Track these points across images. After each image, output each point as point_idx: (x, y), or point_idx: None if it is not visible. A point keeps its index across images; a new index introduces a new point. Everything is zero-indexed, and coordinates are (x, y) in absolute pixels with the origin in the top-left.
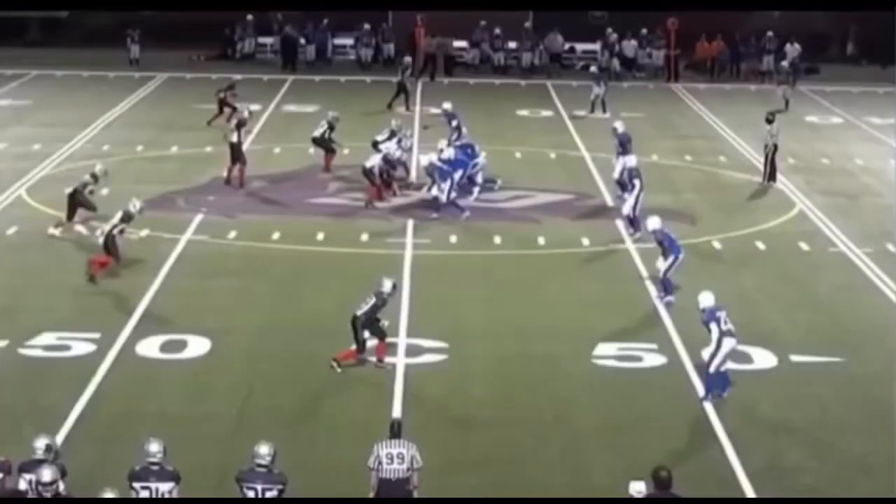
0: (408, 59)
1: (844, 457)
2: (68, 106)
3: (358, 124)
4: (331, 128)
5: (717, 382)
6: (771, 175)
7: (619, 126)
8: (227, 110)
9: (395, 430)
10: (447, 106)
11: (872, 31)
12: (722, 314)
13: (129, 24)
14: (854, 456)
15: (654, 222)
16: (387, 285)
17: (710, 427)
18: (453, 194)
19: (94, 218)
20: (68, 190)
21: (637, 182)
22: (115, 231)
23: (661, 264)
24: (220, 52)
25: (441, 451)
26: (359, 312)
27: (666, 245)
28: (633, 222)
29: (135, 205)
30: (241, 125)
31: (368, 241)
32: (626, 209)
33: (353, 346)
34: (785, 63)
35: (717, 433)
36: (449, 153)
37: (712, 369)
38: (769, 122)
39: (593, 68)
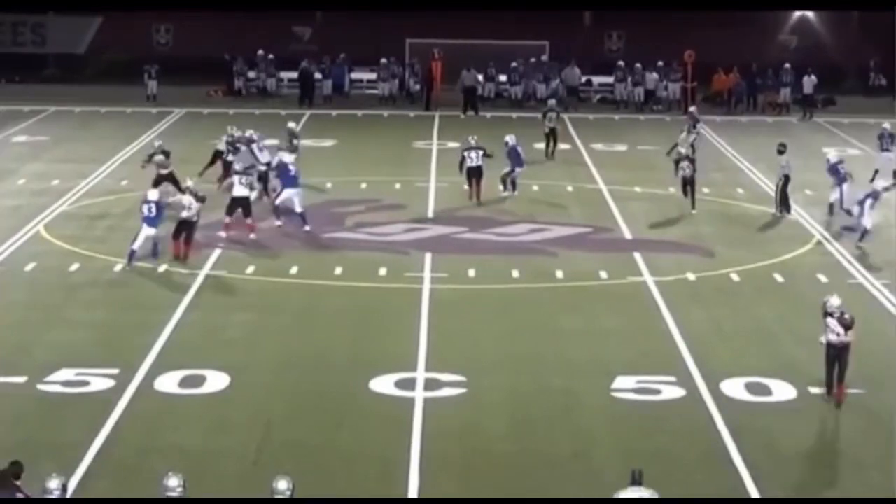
0: (552, 102)
1: (864, 489)
2: (86, 141)
3: (376, 157)
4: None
5: None
6: (785, 206)
7: (832, 157)
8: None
9: (636, 479)
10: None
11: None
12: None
13: (146, 59)
14: (873, 488)
15: None
16: None
17: (730, 459)
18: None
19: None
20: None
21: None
22: None
23: None
24: (237, 88)
25: (459, 485)
26: None
27: None
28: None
29: None
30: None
31: (386, 275)
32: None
33: None
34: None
35: (736, 465)
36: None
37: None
38: (780, 153)
39: None
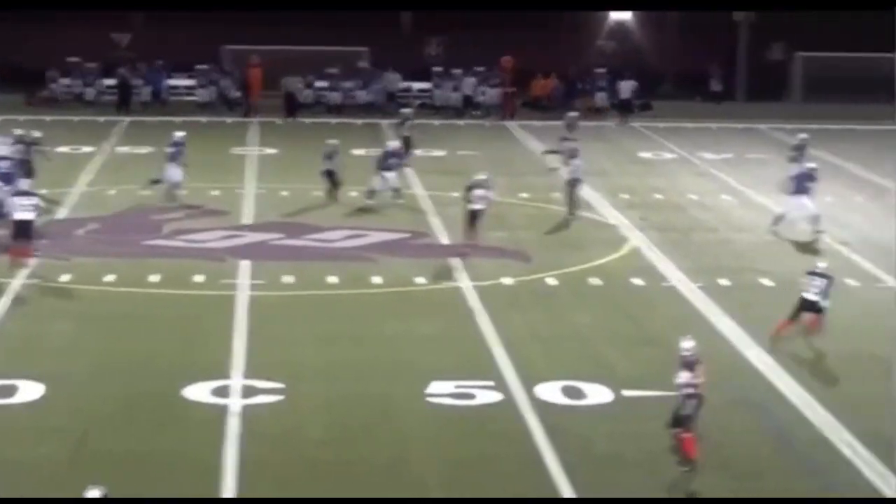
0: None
1: (680, 492)
2: None
3: (195, 164)
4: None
5: None
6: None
7: None
8: None
9: None
10: None
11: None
12: None
13: None
14: (688, 491)
15: None
16: None
17: (546, 464)
18: None
19: None
20: None
21: None
22: None
23: None
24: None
25: (278, 492)
26: None
27: None
28: None
29: None
30: None
31: (203, 282)
32: None
33: None
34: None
35: (552, 470)
36: None
37: None
38: (572, 157)
39: None
